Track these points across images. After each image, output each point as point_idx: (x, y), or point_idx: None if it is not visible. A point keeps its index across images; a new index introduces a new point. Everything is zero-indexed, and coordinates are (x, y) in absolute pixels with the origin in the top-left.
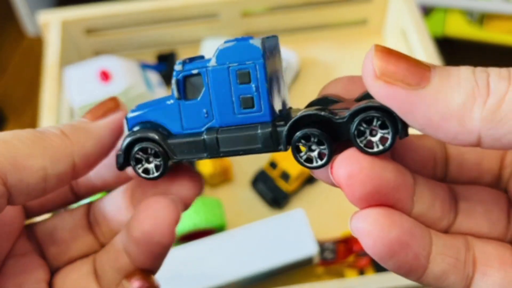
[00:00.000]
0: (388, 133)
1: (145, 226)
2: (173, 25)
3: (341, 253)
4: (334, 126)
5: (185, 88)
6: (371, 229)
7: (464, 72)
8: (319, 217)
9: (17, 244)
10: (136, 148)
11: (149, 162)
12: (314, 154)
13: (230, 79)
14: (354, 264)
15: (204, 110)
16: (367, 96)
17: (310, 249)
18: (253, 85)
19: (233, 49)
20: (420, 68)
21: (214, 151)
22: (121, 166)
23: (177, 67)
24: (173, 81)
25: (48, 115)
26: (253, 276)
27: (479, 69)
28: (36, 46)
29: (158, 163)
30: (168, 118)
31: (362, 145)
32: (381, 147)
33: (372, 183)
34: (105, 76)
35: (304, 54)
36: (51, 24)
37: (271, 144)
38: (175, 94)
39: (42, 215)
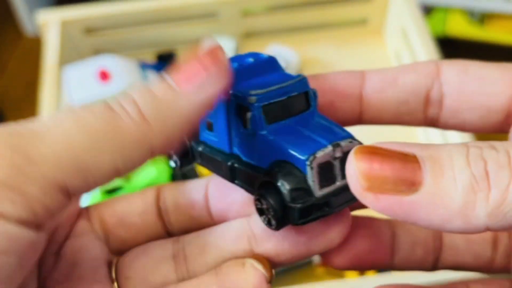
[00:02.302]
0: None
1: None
2: (173, 25)
3: None
4: None
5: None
6: None
7: (457, 162)
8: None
9: (76, 226)
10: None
11: None
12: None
13: None
14: None
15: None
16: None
17: None
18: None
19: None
20: (408, 167)
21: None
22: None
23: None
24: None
25: (47, 114)
26: None
27: (473, 156)
28: (35, 45)
29: None
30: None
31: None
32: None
33: (346, 254)
34: (104, 75)
35: (304, 54)
36: (50, 24)
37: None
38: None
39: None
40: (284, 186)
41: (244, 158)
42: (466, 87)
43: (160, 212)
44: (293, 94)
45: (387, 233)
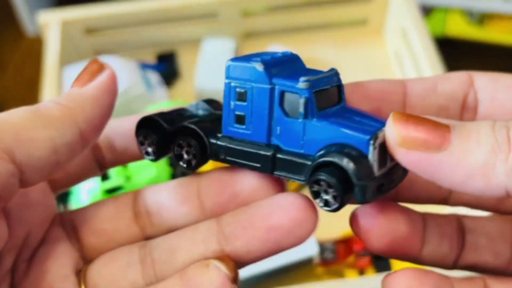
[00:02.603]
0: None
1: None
2: (173, 25)
3: (341, 253)
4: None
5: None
6: None
7: (483, 128)
8: (319, 217)
9: (50, 232)
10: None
11: None
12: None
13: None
14: (354, 264)
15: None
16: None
17: (310, 249)
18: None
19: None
20: (439, 130)
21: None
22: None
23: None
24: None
25: None
26: (253, 276)
27: (498, 124)
28: (36, 46)
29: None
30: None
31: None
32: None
33: (386, 236)
34: None
35: (304, 54)
36: (51, 24)
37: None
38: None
39: (69, 187)
40: (350, 165)
41: (285, 148)
42: (498, 95)
43: (137, 217)
44: (333, 84)
45: (421, 222)
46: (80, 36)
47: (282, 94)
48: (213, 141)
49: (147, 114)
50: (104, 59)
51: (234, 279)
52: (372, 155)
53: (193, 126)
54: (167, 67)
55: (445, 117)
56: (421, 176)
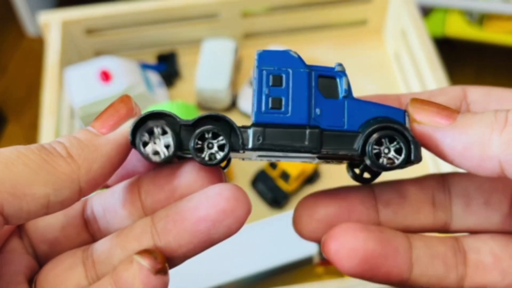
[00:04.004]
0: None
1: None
2: (173, 25)
3: None
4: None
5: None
6: (348, 246)
7: (486, 112)
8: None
9: (7, 242)
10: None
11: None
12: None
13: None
14: None
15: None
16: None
17: (310, 249)
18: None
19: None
20: (448, 110)
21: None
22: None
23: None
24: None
25: (49, 115)
26: (253, 276)
27: (500, 111)
28: (36, 46)
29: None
30: None
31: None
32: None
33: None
34: (105, 76)
35: (304, 54)
36: (51, 25)
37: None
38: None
39: None
40: (405, 126)
41: (325, 126)
42: (489, 107)
43: (87, 223)
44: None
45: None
46: (80, 36)
47: (318, 78)
48: (243, 130)
49: (143, 114)
50: (105, 60)
51: (161, 270)
52: (408, 124)
53: (220, 114)
54: (167, 68)
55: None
56: (429, 150)
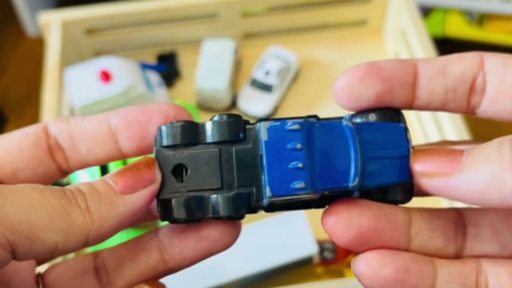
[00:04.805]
0: None
1: None
2: (173, 25)
3: (341, 253)
4: None
5: None
6: (366, 272)
7: (490, 145)
8: (319, 217)
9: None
10: None
11: None
12: None
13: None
14: None
15: None
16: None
17: (310, 249)
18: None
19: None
20: (452, 155)
21: None
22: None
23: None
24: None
25: (49, 115)
26: (253, 276)
27: (503, 139)
28: (36, 46)
29: None
30: None
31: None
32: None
33: (351, 231)
34: (105, 76)
35: (304, 54)
36: (51, 25)
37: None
38: None
39: None
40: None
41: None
42: (507, 78)
43: (97, 271)
44: None
45: (402, 216)
46: (80, 36)
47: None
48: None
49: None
50: (106, 60)
51: None
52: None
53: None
54: (167, 68)
55: (452, 100)
56: (445, 197)
